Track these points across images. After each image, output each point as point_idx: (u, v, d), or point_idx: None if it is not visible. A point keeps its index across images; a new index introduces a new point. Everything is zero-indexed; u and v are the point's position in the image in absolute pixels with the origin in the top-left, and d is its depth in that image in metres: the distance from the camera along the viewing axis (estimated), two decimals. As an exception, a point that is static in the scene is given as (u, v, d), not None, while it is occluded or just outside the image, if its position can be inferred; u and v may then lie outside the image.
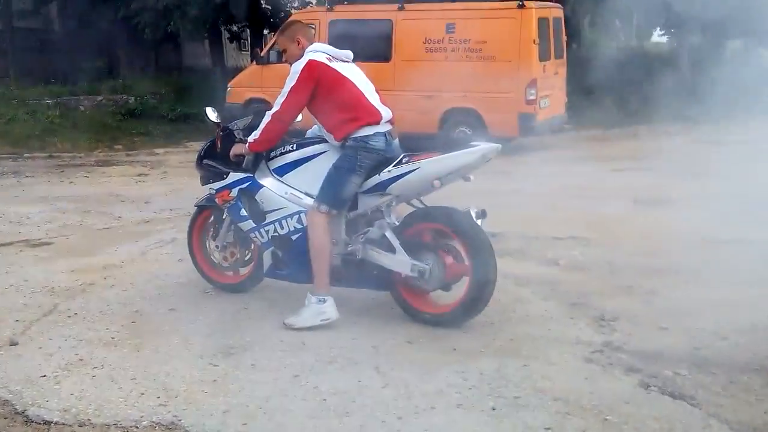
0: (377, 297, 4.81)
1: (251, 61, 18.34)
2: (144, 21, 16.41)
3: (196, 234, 5.38)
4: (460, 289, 4.48)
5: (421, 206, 4.66)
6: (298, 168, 4.73)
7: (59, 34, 20.10)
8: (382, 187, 4.45)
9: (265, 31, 19.25)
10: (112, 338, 4.46)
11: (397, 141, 4.63)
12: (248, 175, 4.83)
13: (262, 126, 4.61)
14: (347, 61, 4.71)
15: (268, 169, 4.82)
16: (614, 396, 3.54)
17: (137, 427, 3.40)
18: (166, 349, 4.29)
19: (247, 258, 5.19)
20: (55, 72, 17.56)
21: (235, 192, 4.86)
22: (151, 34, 16.65)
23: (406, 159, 4.43)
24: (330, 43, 12.16)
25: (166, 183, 10.18)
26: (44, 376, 3.93)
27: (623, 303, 4.86)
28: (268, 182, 4.78)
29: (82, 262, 6.09)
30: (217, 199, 4.98)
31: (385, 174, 4.42)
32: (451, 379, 3.76)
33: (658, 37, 27.00)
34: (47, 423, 3.45)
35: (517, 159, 11.61)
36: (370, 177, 4.46)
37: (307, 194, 4.65)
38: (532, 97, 11.63)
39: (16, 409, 3.58)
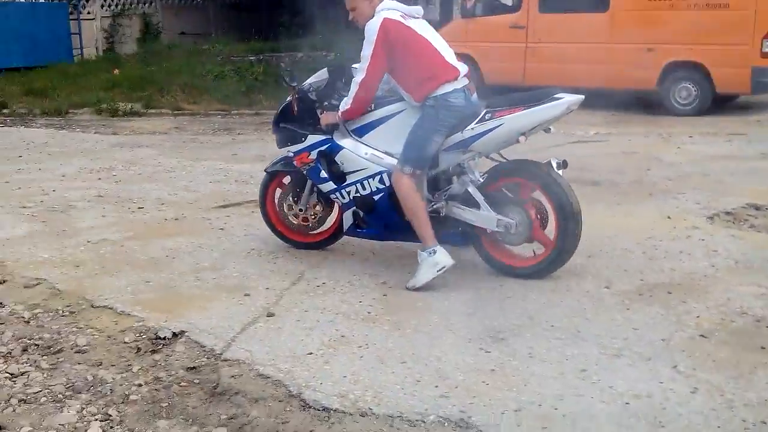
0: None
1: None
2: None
3: (269, 198, 5.33)
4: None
5: (501, 160, 4.66)
6: (378, 128, 4.69)
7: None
8: (464, 145, 4.46)
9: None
10: (368, 313, 4.24)
11: (475, 96, 4.61)
12: (327, 137, 4.81)
13: (352, 95, 4.57)
14: (418, 18, 4.59)
15: (347, 130, 4.77)
16: None
17: (424, 422, 3.11)
18: (428, 329, 4.01)
19: (329, 217, 5.23)
20: (255, 29, 17.84)
21: (314, 154, 4.86)
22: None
23: (489, 115, 4.42)
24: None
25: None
26: (311, 353, 3.74)
27: None
28: (348, 143, 4.76)
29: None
30: (295, 162, 4.97)
31: (468, 132, 4.43)
32: (774, 387, 3.24)
33: None
34: (326, 410, 3.24)
35: (750, 119, 10.60)
36: (452, 134, 4.45)
37: (387, 153, 4.65)
38: (768, 50, 10.51)
39: (290, 391, 3.40)
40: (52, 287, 4.68)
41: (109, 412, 3.29)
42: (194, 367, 3.66)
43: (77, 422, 3.21)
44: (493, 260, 4.67)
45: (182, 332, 4.01)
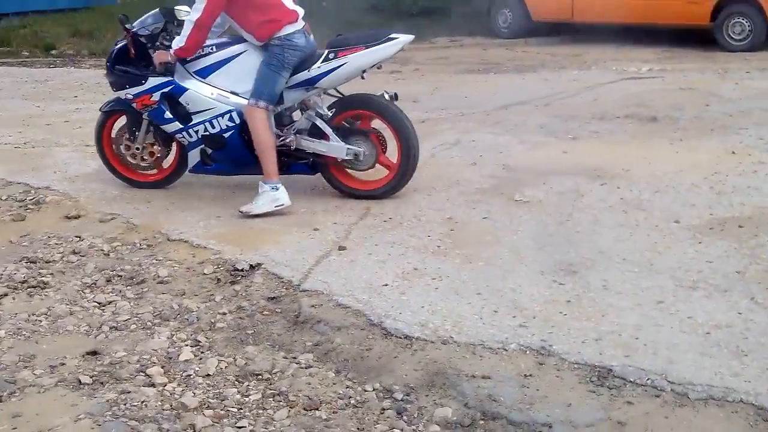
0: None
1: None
2: None
3: (106, 138, 5.39)
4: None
5: (338, 96, 5.04)
6: (221, 69, 4.92)
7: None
8: (310, 82, 4.83)
9: None
10: (438, 247, 4.30)
11: (312, 37, 4.91)
12: (169, 78, 4.93)
13: (186, 34, 4.71)
14: None
15: (188, 71, 4.95)
16: None
17: (505, 350, 3.19)
18: (499, 262, 4.06)
19: (167, 156, 5.33)
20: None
21: (156, 96, 4.96)
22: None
23: (332, 55, 4.78)
24: None
25: (424, 81, 9.94)
26: (386, 285, 3.82)
27: None
28: (192, 84, 4.94)
29: (376, 164, 5.98)
30: (135, 104, 5.05)
31: (315, 70, 4.80)
32: None
33: None
34: (408, 338, 3.33)
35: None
36: (296, 73, 4.80)
37: (233, 93, 4.90)
38: (833, -17, 10.19)
39: (371, 320, 3.49)
40: (127, 221, 4.80)
41: (198, 338, 3.42)
42: (274, 297, 3.76)
43: (169, 347, 3.34)
44: (343, 185, 5.10)
45: (259, 264, 4.10)
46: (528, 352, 3.17)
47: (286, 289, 3.85)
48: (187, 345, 3.36)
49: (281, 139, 4.94)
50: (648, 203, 4.74)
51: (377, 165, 5.06)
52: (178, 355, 3.26)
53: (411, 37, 4.89)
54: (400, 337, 3.34)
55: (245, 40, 4.90)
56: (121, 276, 4.05)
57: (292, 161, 5.06)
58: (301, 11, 4.87)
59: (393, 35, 4.81)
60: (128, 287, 3.93)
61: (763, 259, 3.90)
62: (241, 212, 4.80)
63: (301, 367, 3.18)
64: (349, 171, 5.12)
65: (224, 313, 3.63)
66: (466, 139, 6.62)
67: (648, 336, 3.21)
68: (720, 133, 6.24)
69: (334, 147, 4.90)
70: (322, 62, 4.78)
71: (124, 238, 4.56)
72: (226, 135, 4.93)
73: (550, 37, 12.63)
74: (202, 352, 3.31)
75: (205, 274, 4.06)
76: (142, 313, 3.64)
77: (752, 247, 4.03)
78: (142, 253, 4.35)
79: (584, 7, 11.97)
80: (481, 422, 2.76)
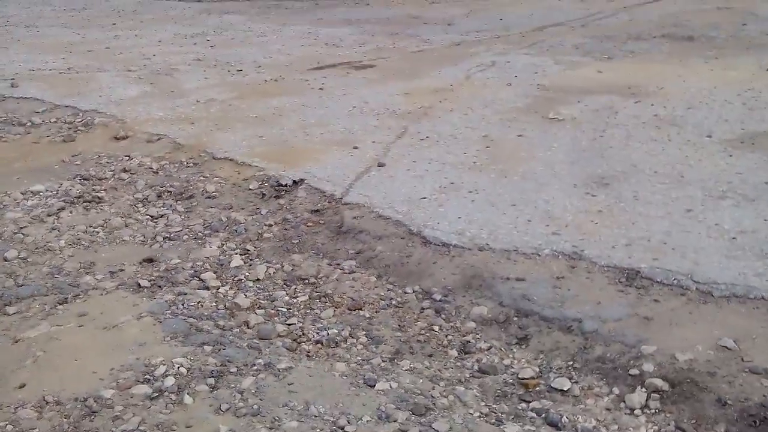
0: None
1: None
2: None
3: None
4: None
5: None
6: None
7: None
8: None
9: None
10: (474, 163, 4.43)
11: None
12: None
13: None
14: None
15: None
16: None
17: (539, 255, 3.34)
18: (533, 176, 4.19)
19: None
20: None
21: None
22: None
23: None
24: None
25: (459, 4, 9.92)
26: (424, 198, 3.97)
27: None
28: None
29: (412, 85, 6.10)
30: None
31: None
32: None
33: None
34: (446, 245, 3.49)
35: None
36: None
37: None
38: None
39: (410, 229, 3.66)
40: (173, 142, 4.98)
41: (247, 247, 3.62)
42: (318, 210, 3.94)
43: (220, 255, 3.54)
44: None
45: (302, 180, 4.27)
46: (560, 256, 3.32)
47: (328, 202, 4.02)
48: (236, 253, 3.56)
49: None
50: (681, 119, 4.81)
51: None
52: (229, 262, 3.47)
53: None
54: (439, 245, 3.50)
55: None
56: (171, 192, 4.25)
57: None
58: None
59: None
60: (178, 202, 4.13)
61: (792, 169, 3.98)
62: None
63: (345, 272, 3.37)
64: None
65: (270, 225, 3.82)
66: (502, 60, 6.68)
67: (676, 241, 3.34)
68: (756, 51, 6.24)
69: None
70: None
71: (171, 156, 4.75)
72: None
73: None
74: (251, 260, 3.51)
75: (250, 189, 4.24)
76: (192, 225, 3.85)
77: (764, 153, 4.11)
78: (189, 170, 4.54)
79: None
80: (515, 318, 2.94)
